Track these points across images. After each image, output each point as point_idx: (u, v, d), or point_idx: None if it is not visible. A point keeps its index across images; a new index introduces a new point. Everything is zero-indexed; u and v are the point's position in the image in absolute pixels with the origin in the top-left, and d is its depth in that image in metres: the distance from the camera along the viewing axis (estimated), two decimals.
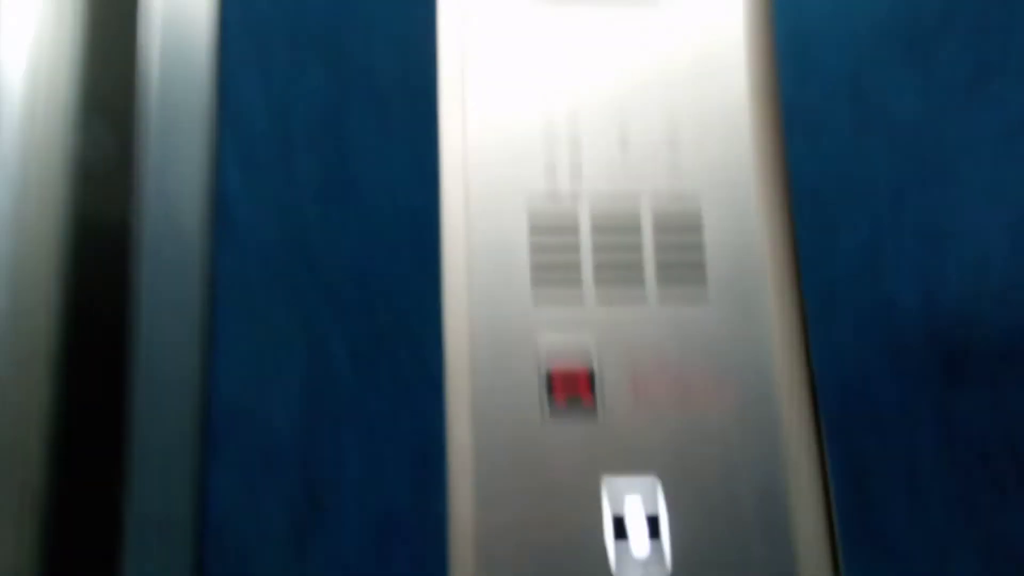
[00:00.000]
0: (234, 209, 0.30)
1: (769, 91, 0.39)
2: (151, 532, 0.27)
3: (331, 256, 0.33)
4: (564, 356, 0.37)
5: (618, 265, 0.38)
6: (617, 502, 0.35)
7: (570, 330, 0.37)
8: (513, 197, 0.37)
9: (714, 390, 0.37)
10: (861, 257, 0.36)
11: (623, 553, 0.34)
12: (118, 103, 0.30)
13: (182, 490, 0.27)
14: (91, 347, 0.31)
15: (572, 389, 0.36)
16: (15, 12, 0.31)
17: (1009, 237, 0.33)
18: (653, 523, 0.34)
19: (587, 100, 0.39)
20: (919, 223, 0.35)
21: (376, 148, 0.34)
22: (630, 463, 0.35)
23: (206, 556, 0.29)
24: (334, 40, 0.33)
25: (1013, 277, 0.32)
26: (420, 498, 0.33)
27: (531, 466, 0.35)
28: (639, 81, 0.39)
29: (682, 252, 0.38)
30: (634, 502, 0.35)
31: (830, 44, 0.37)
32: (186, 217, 0.28)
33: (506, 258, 0.37)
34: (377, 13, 0.35)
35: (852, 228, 0.36)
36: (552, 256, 0.37)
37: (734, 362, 0.37)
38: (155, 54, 0.28)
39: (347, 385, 0.32)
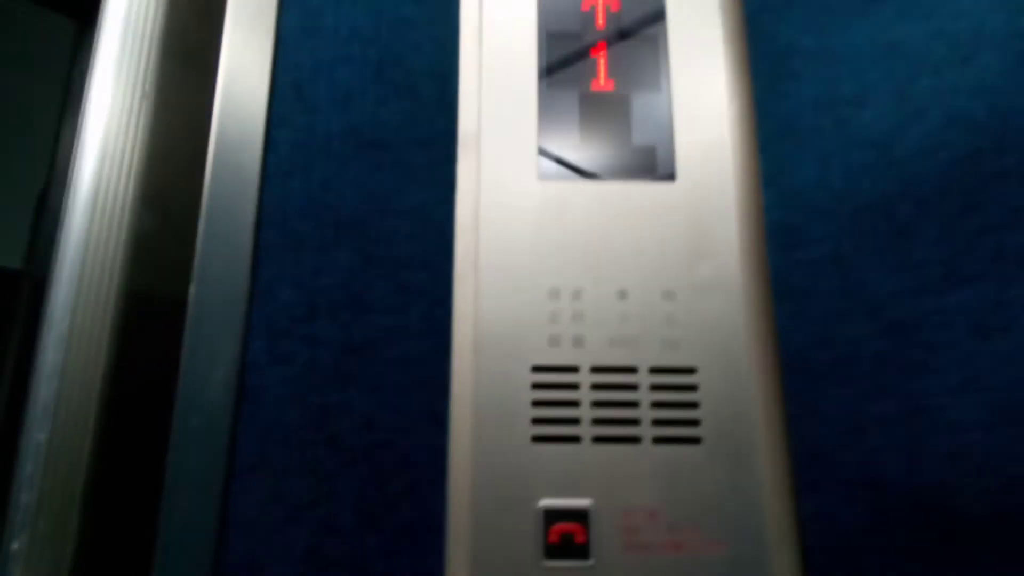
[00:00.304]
0: (257, 375, 0.34)
1: (759, 258, 0.42)
2: None
3: (344, 414, 0.36)
4: (561, 501, 0.39)
5: (616, 420, 0.40)
6: None
7: (568, 479, 0.39)
8: (518, 356, 0.41)
9: (706, 541, 0.38)
10: (846, 423, 0.37)
11: None
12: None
13: None
14: (118, 493, 0.34)
15: (567, 532, 0.38)
16: (89, 120, 0.38)
17: (985, 425, 0.34)
18: None
19: (589, 267, 0.42)
20: (900, 395, 0.36)
21: (393, 313, 0.38)
22: None
23: None
24: (359, 222, 0.38)
25: (988, 462, 0.34)
26: None
27: None
28: (638, 251, 0.42)
29: (677, 409, 0.40)
30: None
31: (814, 218, 0.40)
32: (215, 382, 0.32)
33: (509, 411, 0.40)
34: (399, 196, 0.40)
35: (837, 393, 0.38)
36: (553, 410, 0.40)
37: (726, 515, 0.38)
38: (199, 244, 0.34)
39: (351, 536, 0.35)
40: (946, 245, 0.36)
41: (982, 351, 0.35)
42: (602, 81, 0.45)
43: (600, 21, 0.47)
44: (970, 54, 0.37)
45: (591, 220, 0.43)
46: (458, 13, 0.46)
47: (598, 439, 0.40)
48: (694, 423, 0.40)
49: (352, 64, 0.40)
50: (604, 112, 0.45)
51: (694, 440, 0.40)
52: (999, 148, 0.36)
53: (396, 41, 0.42)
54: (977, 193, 0.36)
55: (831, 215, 0.40)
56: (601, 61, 0.46)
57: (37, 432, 0.34)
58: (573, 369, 0.41)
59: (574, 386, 0.40)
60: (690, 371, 0.41)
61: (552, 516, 0.38)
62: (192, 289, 0.32)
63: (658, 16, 0.47)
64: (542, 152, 0.44)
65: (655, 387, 0.41)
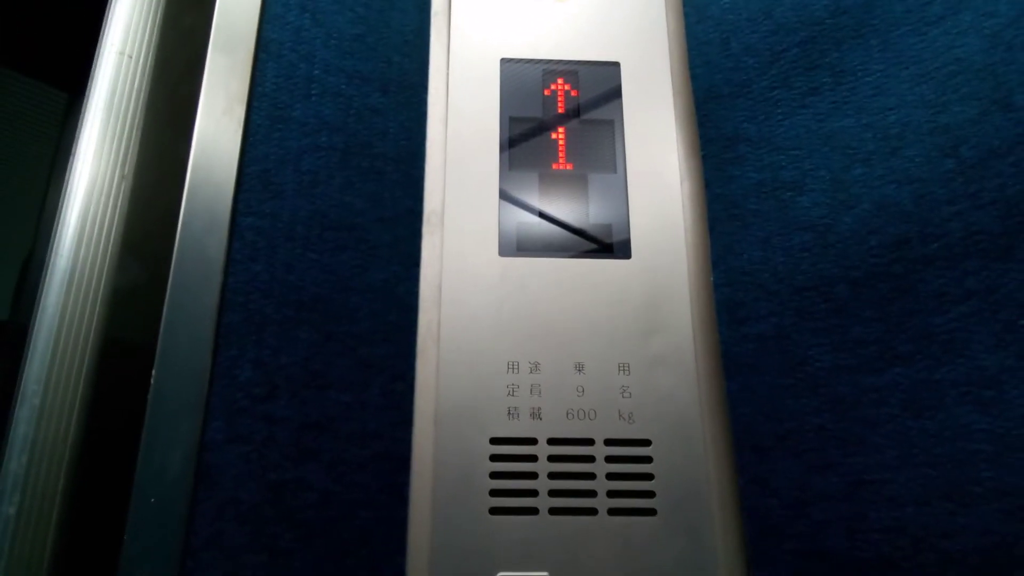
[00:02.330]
0: (215, 454, 0.35)
1: (709, 334, 0.44)
2: None
3: (302, 490, 0.37)
4: (519, 574, 0.39)
5: (573, 492, 0.41)
6: None
7: (525, 551, 0.40)
8: (477, 428, 0.42)
9: None
10: (794, 496, 0.39)
11: None
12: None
13: None
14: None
15: None
16: (76, 167, 0.40)
17: (920, 501, 0.35)
18: None
19: (547, 341, 0.44)
20: (842, 470, 0.38)
21: (353, 388, 0.40)
22: None
23: None
24: (321, 300, 0.40)
25: (925, 538, 0.35)
26: None
27: None
28: (594, 326, 0.44)
29: (633, 481, 0.41)
30: None
31: (759, 296, 0.42)
32: (173, 462, 0.33)
33: (468, 484, 0.41)
34: (362, 274, 0.42)
35: (785, 466, 0.39)
36: (511, 482, 0.41)
37: None
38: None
39: None
40: (880, 326, 0.38)
41: (916, 428, 0.36)
42: (561, 162, 0.48)
43: (560, 105, 0.49)
44: (897, 147, 0.40)
45: (550, 295, 0.45)
46: (425, 99, 0.48)
47: (555, 510, 0.41)
48: (649, 495, 0.41)
49: (319, 152, 0.42)
50: (563, 191, 0.47)
51: (649, 511, 0.41)
52: (923, 236, 0.38)
53: (363, 129, 0.44)
54: (906, 277, 0.38)
55: (775, 294, 0.42)
56: (560, 143, 0.48)
57: (6, 506, 0.35)
58: (531, 441, 0.42)
59: (532, 458, 0.42)
60: (645, 443, 0.42)
61: None
62: (154, 372, 0.33)
63: (615, 101, 0.50)
64: (503, 229, 0.46)
65: (611, 459, 0.42)
